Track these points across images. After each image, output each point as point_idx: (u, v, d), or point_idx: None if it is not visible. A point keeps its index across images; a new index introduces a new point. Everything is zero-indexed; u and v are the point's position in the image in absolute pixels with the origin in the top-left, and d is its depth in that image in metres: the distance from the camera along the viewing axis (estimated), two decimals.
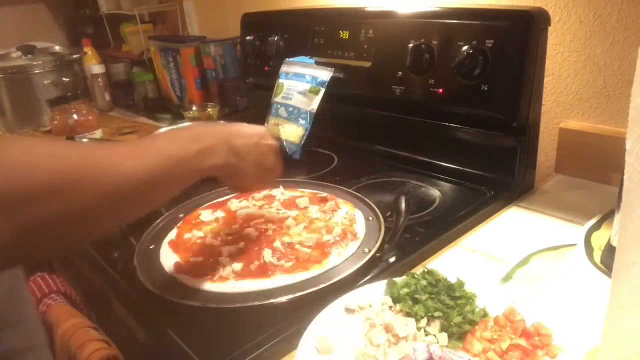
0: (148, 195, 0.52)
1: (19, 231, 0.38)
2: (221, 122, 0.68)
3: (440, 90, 0.90)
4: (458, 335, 0.52)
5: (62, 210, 0.41)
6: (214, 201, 0.88)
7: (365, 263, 0.66)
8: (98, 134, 1.12)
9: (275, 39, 1.20)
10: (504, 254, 0.70)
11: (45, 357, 0.61)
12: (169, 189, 0.56)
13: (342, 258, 0.67)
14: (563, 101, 0.92)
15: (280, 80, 1.14)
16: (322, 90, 1.06)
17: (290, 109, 1.11)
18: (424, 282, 0.57)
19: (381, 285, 0.60)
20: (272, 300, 0.59)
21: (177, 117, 1.49)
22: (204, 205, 0.87)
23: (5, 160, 0.39)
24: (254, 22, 1.29)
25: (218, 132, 0.62)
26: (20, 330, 0.57)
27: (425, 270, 0.59)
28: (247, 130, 0.67)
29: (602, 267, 0.64)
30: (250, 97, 1.50)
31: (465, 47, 0.83)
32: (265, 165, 0.69)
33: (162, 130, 1.12)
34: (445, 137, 0.95)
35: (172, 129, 0.59)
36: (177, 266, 0.68)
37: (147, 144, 0.54)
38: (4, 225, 0.37)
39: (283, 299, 0.59)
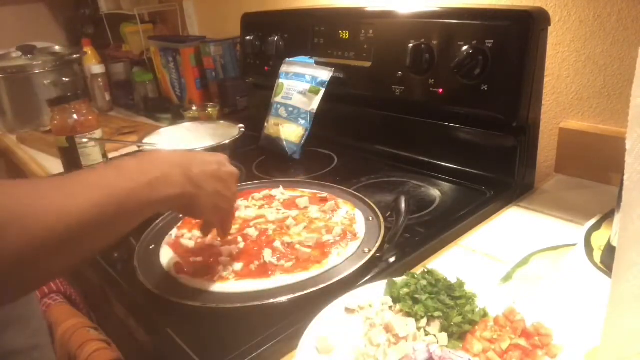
0: (96, 234, 0.46)
1: None
2: (176, 150, 0.59)
3: (440, 90, 0.90)
4: (458, 335, 0.52)
5: (9, 261, 0.38)
6: None
7: (365, 263, 0.66)
8: (98, 134, 1.12)
9: (275, 39, 1.20)
10: (504, 254, 0.70)
11: (49, 354, 0.61)
12: (119, 227, 0.50)
13: (342, 258, 0.67)
14: (563, 101, 0.92)
15: (280, 80, 1.14)
16: (322, 90, 1.06)
17: (290, 109, 1.11)
18: (424, 282, 0.57)
19: (381, 285, 0.60)
20: (272, 300, 0.59)
21: (177, 117, 1.49)
22: None
23: None
24: (254, 22, 1.29)
25: (172, 160, 0.57)
26: (27, 328, 0.57)
27: (425, 270, 0.59)
28: (205, 158, 0.62)
29: (602, 267, 0.64)
30: (250, 97, 1.50)
31: (465, 47, 0.83)
32: (226, 195, 0.63)
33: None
34: (445, 137, 0.95)
35: (122, 159, 0.53)
36: (177, 266, 0.68)
37: (90, 178, 0.48)
38: None
39: (283, 299, 0.59)
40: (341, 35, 1.07)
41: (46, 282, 0.46)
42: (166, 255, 0.71)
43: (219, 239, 0.73)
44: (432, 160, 0.98)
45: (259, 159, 1.13)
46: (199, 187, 0.58)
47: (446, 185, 0.92)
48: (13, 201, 0.40)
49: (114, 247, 0.78)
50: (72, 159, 1.10)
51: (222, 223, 0.67)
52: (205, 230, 0.71)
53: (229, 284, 0.63)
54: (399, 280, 0.59)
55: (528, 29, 0.79)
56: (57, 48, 1.80)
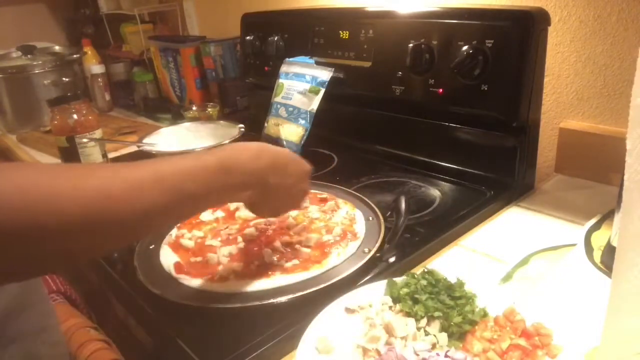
0: (156, 227, 0.52)
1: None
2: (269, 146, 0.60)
3: (440, 90, 0.90)
4: (458, 335, 0.52)
5: (50, 248, 0.39)
6: None
7: (365, 263, 0.66)
8: (98, 134, 1.12)
9: (275, 39, 1.20)
10: (504, 254, 0.70)
11: (56, 335, 0.62)
12: (179, 220, 0.58)
13: (342, 258, 0.67)
14: (563, 101, 0.92)
15: (280, 80, 1.14)
16: (322, 90, 1.06)
17: (290, 109, 1.11)
18: (424, 282, 0.57)
19: (381, 285, 0.60)
20: (272, 300, 0.59)
21: (177, 117, 1.50)
22: None
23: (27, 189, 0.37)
24: (254, 22, 1.29)
25: (255, 167, 0.55)
26: (37, 311, 0.58)
27: (425, 270, 0.59)
28: (289, 169, 0.60)
29: (602, 267, 0.64)
30: (250, 97, 1.50)
31: (465, 47, 0.83)
32: (287, 207, 0.67)
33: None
34: (445, 137, 0.95)
35: (199, 154, 0.51)
36: (177, 266, 0.68)
37: (161, 174, 0.46)
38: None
39: (283, 299, 0.59)
40: (341, 35, 1.07)
41: (81, 261, 0.52)
42: (166, 255, 0.71)
43: (219, 239, 0.73)
44: (432, 160, 0.98)
45: None
46: (268, 195, 0.58)
47: (446, 185, 0.92)
48: (112, 193, 0.41)
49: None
50: (72, 159, 1.10)
51: (275, 214, 0.71)
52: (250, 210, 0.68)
53: (229, 284, 0.63)
54: (399, 280, 0.59)
55: (528, 29, 0.79)
56: (57, 48, 1.80)
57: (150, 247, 0.74)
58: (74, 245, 0.41)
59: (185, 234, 0.76)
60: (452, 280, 0.57)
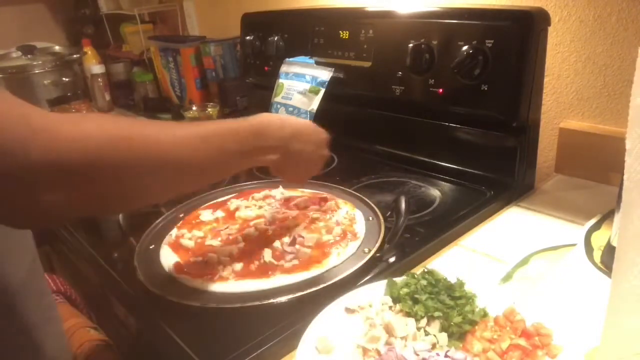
0: (199, 180, 0.57)
1: (79, 197, 0.43)
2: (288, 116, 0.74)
3: (440, 90, 0.90)
4: (458, 335, 0.52)
5: (122, 188, 0.46)
6: (214, 201, 0.88)
7: (365, 263, 0.66)
8: None
9: (275, 39, 1.20)
10: (504, 254, 0.70)
11: (60, 328, 0.63)
12: (217, 177, 0.64)
13: (342, 258, 0.67)
14: (563, 101, 0.92)
15: (280, 80, 1.14)
16: (322, 90, 1.06)
17: (290, 109, 1.11)
18: (424, 282, 0.57)
19: (381, 285, 0.60)
20: (272, 300, 0.59)
21: (177, 117, 1.49)
22: (204, 205, 0.87)
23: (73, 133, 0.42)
24: (254, 22, 1.29)
25: (281, 134, 0.64)
26: (42, 302, 0.59)
27: (425, 270, 0.59)
28: (310, 136, 0.69)
29: (602, 267, 0.64)
30: (250, 97, 1.50)
31: (465, 47, 0.83)
32: (310, 171, 0.73)
33: None
34: (445, 137, 0.95)
35: (233, 121, 0.60)
36: (177, 266, 0.68)
37: (206, 132, 0.55)
38: (65, 193, 0.42)
39: (283, 299, 0.59)
40: (341, 35, 1.07)
41: (143, 203, 0.56)
42: (166, 255, 0.71)
43: (219, 239, 0.73)
44: (432, 160, 0.98)
45: None
46: (292, 159, 0.66)
47: (446, 185, 0.92)
48: (157, 146, 0.49)
49: (113, 247, 0.78)
50: None
51: (298, 180, 0.78)
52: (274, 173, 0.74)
53: (229, 284, 0.63)
54: (399, 280, 0.59)
55: (528, 29, 0.79)
56: (57, 48, 1.80)
57: (150, 247, 0.74)
58: (139, 182, 0.48)
59: (185, 234, 0.76)
60: (452, 280, 0.57)
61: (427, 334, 0.52)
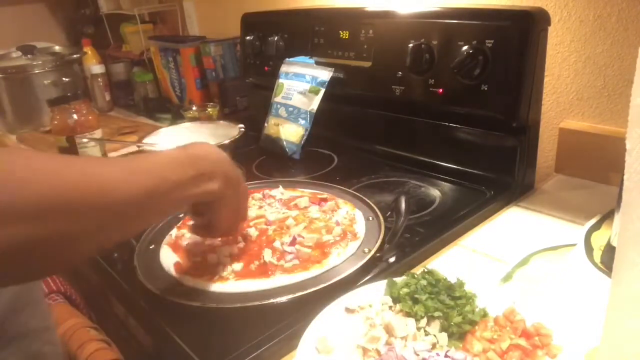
0: (140, 218, 0.51)
1: (4, 250, 0.37)
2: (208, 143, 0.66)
3: (440, 90, 0.90)
4: (458, 335, 0.52)
5: (52, 230, 0.40)
6: None
7: (365, 263, 0.66)
8: (98, 134, 1.12)
9: (275, 39, 1.20)
10: (504, 254, 0.70)
11: (55, 337, 0.63)
12: (161, 212, 0.57)
13: (342, 258, 0.67)
14: (563, 101, 0.92)
15: (280, 80, 1.14)
16: (322, 90, 1.06)
17: (290, 109, 1.11)
18: (424, 282, 0.57)
19: (381, 285, 0.60)
20: (272, 300, 0.59)
21: (177, 117, 1.49)
22: None
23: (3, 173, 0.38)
24: (254, 22, 1.29)
25: (216, 158, 0.60)
26: (37, 310, 0.59)
27: (425, 270, 0.59)
28: (232, 164, 0.64)
29: (602, 267, 0.64)
30: (250, 97, 1.50)
31: (465, 47, 0.83)
32: (242, 206, 0.68)
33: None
34: (445, 137, 0.95)
35: (169, 150, 0.57)
36: (177, 266, 0.68)
37: (144, 165, 0.52)
38: None
39: (283, 299, 0.59)
40: (341, 35, 1.07)
41: (80, 260, 0.53)
42: (166, 255, 0.71)
43: (219, 239, 0.73)
44: (432, 160, 0.98)
45: (259, 159, 1.13)
46: (233, 189, 0.61)
47: (446, 185, 0.92)
48: (89, 179, 0.44)
49: (113, 247, 0.78)
50: None
51: (231, 227, 0.69)
52: (199, 232, 0.70)
53: (229, 284, 0.63)
54: (399, 280, 0.59)
55: (528, 29, 0.79)
56: (57, 48, 1.80)
57: (150, 247, 0.74)
58: (81, 229, 0.43)
59: (185, 234, 0.76)
60: (452, 280, 0.57)
61: (427, 334, 0.52)
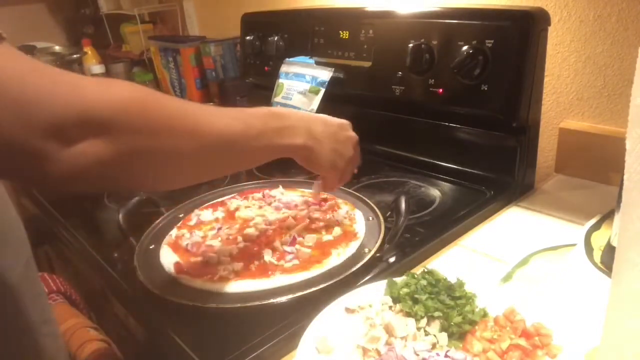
0: (226, 157, 0.56)
1: (122, 156, 0.44)
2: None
3: (440, 90, 0.90)
4: (458, 335, 0.52)
5: (156, 146, 0.47)
6: (214, 201, 0.88)
7: (365, 263, 0.66)
8: None
9: (275, 39, 1.20)
10: (504, 254, 0.70)
11: (55, 329, 0.62)
12: (246, 158, 0.60)
13: (342, 258, 0.67)
14: (563, 101, 0.92)
15: (280, 80, 1.14)
16: (322, 90, 1.06)
17: (291, 108, 1.11)
18: (424, 282, 0.57)
19: (381, 285, 0.60)
20: (272, 300, 0.59)
21: None
22: (204, 205, 0.87)
23: (122, 94, 0.44)
24: (254, 22, 1.29)
25: (299, 116, 0.65)
26: (37, 303, 0.59)
27: (425, 270, 0.59)
28: (327, 119, 0.69)
29: (602, 267, 0.64)
30: (250, 97, 1.50)
31: (465, 47, 0.83)
32: (343, 154, 0.70)
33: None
34: (445, 137, 0.95)
35: (253, 109, 0.62)
36: (177, 266, 0.68)
37: (231, 112, 0.56)
38: (110, 147, 0.43)
39: (283, 299, 0.59)
40: (341, 35, 1.07)
41: (174, 185, 0.56)
42: (166, 255, 0.71)
43: (219, 239, 0.73)
44: (432, 160, 0.98)
45: None
46: (319, 142, 0.65)
47: (446, 185, 0.92)
48: (182, 110, 0.50)
49: (113, 247, 0.78)
50: None
51: (335, 180, 0.73)
52: (320, 186, 0.78)
53: (229, 284, 0.63)
54: (399, 280, 0.59)
55: (528, 29, 0.79)
56: (57, 48, 1.80)
57: (150, 247, 0.74)
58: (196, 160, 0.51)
59: (185, 234, 0.76)
60: (452, 280, 0.57)
61: (427, 334, 0.52)
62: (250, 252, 0.69)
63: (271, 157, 0.62)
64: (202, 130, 0.51)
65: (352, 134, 0.72)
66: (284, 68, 1.14)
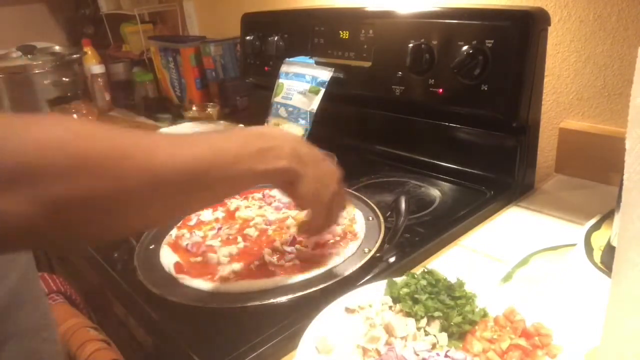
0: (193, 192, 0.46)
1: (47, 208, 0.37)
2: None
3: (440, 90, 0.90)
4: (458, 335, 0.52)
5: (91, 190, 0.38)
6: None
7: (365, 263, 0.66)
8: None
9: (275, 39, 1.20)
10: (504, 254, 0.70)
11: (55, 334, 0.62)
12: (218, 190, 0.50)
13: (342, 258, 0.67)
14: (563, 101, 0.92)
15: (280, 80, 1.14)
16: (322, 90, 1.06)
17: (290, 109, 1.11)
18: (424, 282, 0.57)
19: (381, 285, 0.60)
20: (272, 300, 0.59)
21: (177, 117, 1.50)
22: None
23: (37, 134, 0.37)
24: (254, 22, 1.29)
25: (283, 134, 0.58)
26: (37, 307, 0.58)
27: (425, 270, 0.59)
28: (311, 145, 0.61)
29: (602, 267, 0.64)
30: (250, 97, 1.50)
31: (465, 47, 0.83)
32: (328, 186, 0.61)
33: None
34: (445, 137, 0.95)
35: (233, 129, 0.54)
36: (177, 266, 0.68)
37: (200, 137, 0.50)
38: (31, 200, 0.36)
39: (283, 299, 0.59)
40: (341, 35, 1.07)
41: (128, 231, 0.50)
42: (166, 255, 0.71)
43: (219, 239, 0.73)
44: (432, 160, 0.98)
45: None
46: (305, 165, 0.56)
47: (446, 185, 0.92)
48: (129, 142, 0.42)
49: (113, 247, 0.78)
50: None
51: (321, 216, 0.64)
52: (304, 230, 0.69)
53: (229, 284, 0.63)
54: (399, 280, 0.59)
55: (528, 29, 0.79)
56: (57, 48, 1.80)
57: (150, 247, 0.74)
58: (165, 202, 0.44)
59: (185, 234, 0.76)
60: (452, 280, 0.57)
61: (427, 334, 0.52)
62: (250, 252, 0.69)
63: (253, 184, 0.54)
64: (156, 164, 0.42)
65: (335, 167, 0.64)
66: (284, 68, 1.14)
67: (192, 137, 0.49)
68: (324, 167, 0.61)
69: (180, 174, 0.44)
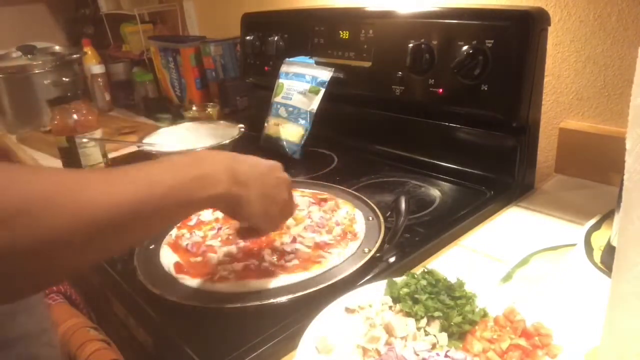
0: (131, 229, 0.45)
1: None
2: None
3: (440, 90, 0.90)
4: (458, 335, 0.52)
5: (24, 239, 0.36)
6: None
7: (365, 263, 0.66)
8: (98, 134, 1.12)
9: (275, 39, 1.20)
10: (504, 254, 0.70)
11: (55, 338, 0.62)
12: (158, 222, 0.49)
13: (342, 258, 0.67)
14: (563, 101, 0.92)
15: (280, 80, 1.14)
16: (322, 90, 1.06)
17: (290, 109, 1.11)
18: (424, 282, 0.57)
19: (381, 285, 0.60)
20: (272, 300, 0.59)
21: (177, 117, 1.49)
22: None
23: None
24: (254, 22, 1.29)
25: (220, 157, 0.55)
26: (34, 313, 0.58)
27: (425, 270, 0.59)
28: (254, 160, 0.59)
29: (602, 267, 0.64)
30: (250, 97, 1.50)
31: (465, 47, 0.83)
32: (275, 199, 0.60)
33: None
34: (445, 137, 0.95)
35: (167, 157, 0.52)
36: (177, 266, 0.68)
37: (133, 172, 0.47)
38: None
39: (283, 299, 0.59)
40: (341, 35, 1.07)
41: (63, 277, 0.47)
42: (166, 255, 0.71)
43: (219, 239, 0.73)
44: (432, 160, 0.98)
45: None
46: (246, 187, 0.55)
47: (446, 185, 0.92)
48: (60, 188, 0.40)
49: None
50: (72, 159, 1.10)
51: (266, 230, 0.64)
52: (244, 235, 0.67)
53: (229, 284, 0.63)
54: (399, 280, 0.59)
55: (528, 29, 0.79)
56: (57, 48, 1.80)
57: (150, 247, 0.74)
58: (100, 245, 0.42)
59: (185, 234, 0.76)
60: (452, 280, 0.57)
61: (427, 334, 0.52)
62: (250, 252, 0.69)
63: (194, 212, 0.53)
64: (85, 207, 0.40)
65: (285, 175, 0.63)
66: (284, 68, 1.15)
67: (125, 172, 0.46)
68: (268, 180, 0.59)
69: (115, 216, 0.42)
